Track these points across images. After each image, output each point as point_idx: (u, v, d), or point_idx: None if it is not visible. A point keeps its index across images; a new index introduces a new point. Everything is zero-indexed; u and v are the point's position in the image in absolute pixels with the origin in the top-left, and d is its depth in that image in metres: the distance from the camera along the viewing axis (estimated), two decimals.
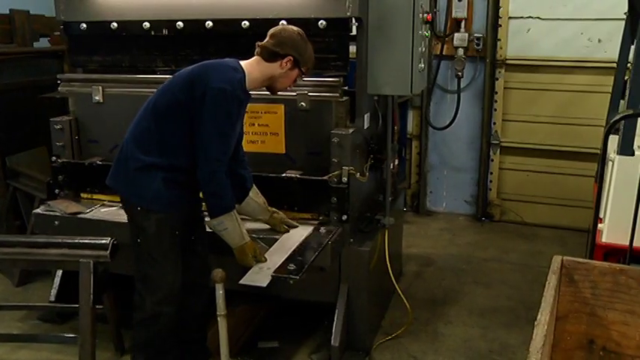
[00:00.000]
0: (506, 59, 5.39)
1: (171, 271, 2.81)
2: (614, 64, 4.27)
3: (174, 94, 2.67)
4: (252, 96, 3.29)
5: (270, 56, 2.73)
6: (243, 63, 2.76)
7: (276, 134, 3.34)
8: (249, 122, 3.33)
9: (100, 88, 3.58)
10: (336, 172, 3.16)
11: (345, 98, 3.23)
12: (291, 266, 2.72)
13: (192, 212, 2.90)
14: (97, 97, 3.60)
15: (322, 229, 3.16)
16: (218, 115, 2.59)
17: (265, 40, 2.75)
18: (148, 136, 2.71)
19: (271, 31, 2.78)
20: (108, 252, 3.02)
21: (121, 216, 3.37)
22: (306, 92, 3.21)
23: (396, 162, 3.89)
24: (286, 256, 2.86)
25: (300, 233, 3.12)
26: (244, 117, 2.88)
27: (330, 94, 3.20)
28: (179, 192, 2.75)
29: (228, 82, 2.61)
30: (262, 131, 3.36)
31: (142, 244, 2.76)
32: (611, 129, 2.58)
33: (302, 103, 3.23)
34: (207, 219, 2.82)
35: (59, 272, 3.76)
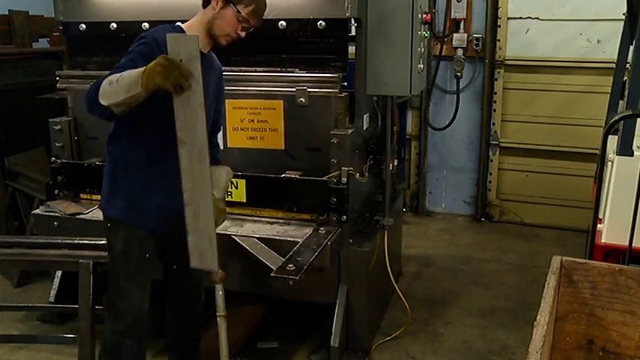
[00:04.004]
0: (506, 60, 5.39)
1: (136, 297, 2.54)
2: (613, 65, 4.27)
3: None
4: (251, 92, 3.30)
5: (205, 0, 2.50)
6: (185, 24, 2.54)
7: (276, 130, 3.33)
8: (248, 119, 3.34)
9: None
10: (335, 173, 3.16)
11: (344, 93, 3.23)
12: (291, 267, 2.72)
13: (171, 230, 2.53)
14: None
15: (321, 230, 3.16)
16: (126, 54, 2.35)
17: None
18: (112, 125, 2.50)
19: None
20: (107, 253, 3.01)
21: None
22: (305, 88, 3.21)
23: (396, 162, 3.89)
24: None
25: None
26: (216, 96, 2.69)
27: (329, 90, 3.20)
28: (151, 193, 2.48)
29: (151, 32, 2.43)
30: (261, 127, 3.36)
31: (109, 265, 2.58)
32: (610, 129, 2.58)
33: (301, 99, 3.23)
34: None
35: (58, 273, 3.75)
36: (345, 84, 3.25)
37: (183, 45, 2.11)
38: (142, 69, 2.13)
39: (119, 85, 2.15)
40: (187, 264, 2.42)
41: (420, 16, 3.23)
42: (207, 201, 2.28)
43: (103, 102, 2.18)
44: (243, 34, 2.51)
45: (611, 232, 2.80)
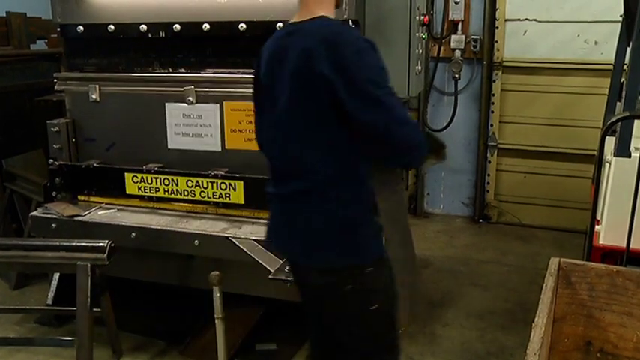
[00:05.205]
0: (503, 61, 5.40)
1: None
2: (611, 66, 4.28)
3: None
4: (249, 94, 3.28)
5: None
6: (319, 11, 2.03)
7: None
8: (246, 120, 3.34)
9: (97, 86, 3.57)
10: None
11: None
12: (289, 268, 2.72)
13: None
14: (93, 96, 3.59)
15: None
16: None
17: None
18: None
19: None
20: (105, 254, 3.01)
21: (118, 218, 3.39)
22: None
23: None
24: None
25: None
26: None
27: None
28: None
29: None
30: None
31: (376, 310, 2.07)
32: (607, 131, 2.58)
33: None
34: None
35: (56, 275, 3.75)
36: None
37: None
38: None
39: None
40: None
41: (417, 17, 3.23)
42: None
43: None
44: None
45: (609, 233, 2.80)
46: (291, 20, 2.09)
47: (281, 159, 2.08)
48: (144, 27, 3.44)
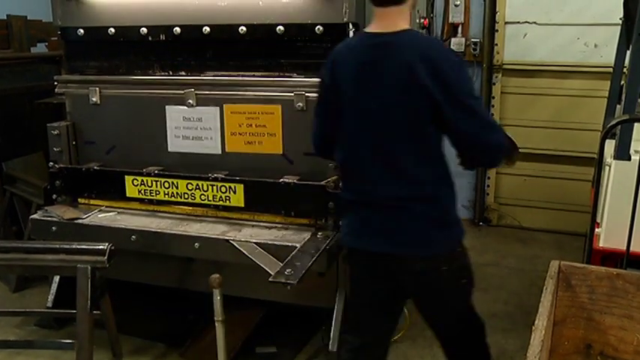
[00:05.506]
0: (503, 64, 5.40)
1: None
2: (611, 69, 4.28)
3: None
4: (249, 97, 3.31)
5: None
6: (404, 24, 2.18)
7: (274, 135, 3.34)
8: (246, 123, 3.34)
9: (97, 89, 3.58)
10: (333, 177, 3.16)
11: None
12: (289, 271, 2.72)
13: None
14: (94, 99, 3.60)
15: (319, 235, 3.16)
16: None
17: None
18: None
19: None
20: (105, 257, 3.01)
21: (119, 221, 3.40)
22: (303, 93, 3.22)
23: None
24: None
25: None
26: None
27: None
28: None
29: None
30: (259, 132, 3.37)
31: (467, 283, 2.45)
32: (607, 134, 2.59)
33: (299, 104, 3.23)
34: None
35: (56, 278, 3.75)
36: None
37: None
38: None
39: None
40: None
41: (417, 20, 3.24)
42: None
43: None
44: None
45: (609, 236, 2.80)
46: (370, 30, 2.20)
47: (374, 165, 2.23)
48: (144, 30, 3.45)
